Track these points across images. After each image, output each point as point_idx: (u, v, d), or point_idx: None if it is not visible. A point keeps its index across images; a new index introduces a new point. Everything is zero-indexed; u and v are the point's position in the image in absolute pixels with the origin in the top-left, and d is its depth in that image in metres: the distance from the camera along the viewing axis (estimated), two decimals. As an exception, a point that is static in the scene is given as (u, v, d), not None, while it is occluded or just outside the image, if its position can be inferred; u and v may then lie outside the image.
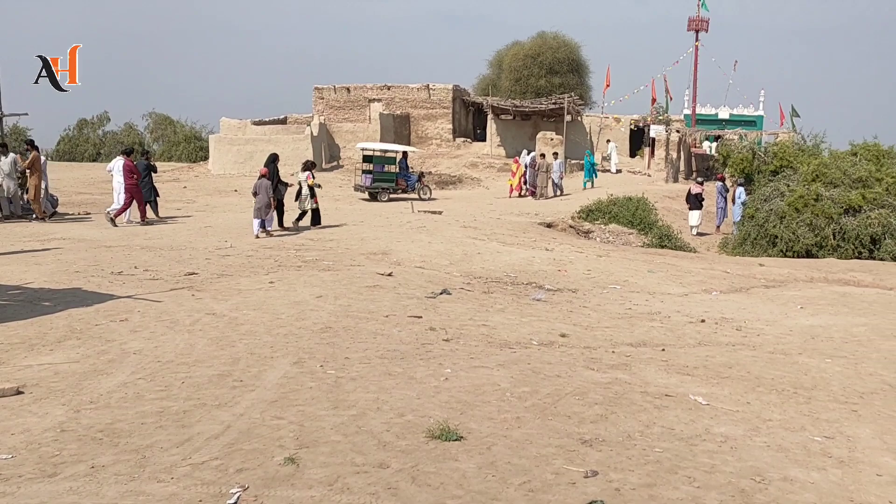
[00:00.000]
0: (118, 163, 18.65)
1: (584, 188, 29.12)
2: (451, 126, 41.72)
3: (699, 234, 23.74)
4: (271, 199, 16.51)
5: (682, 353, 7.62)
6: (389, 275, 11.07)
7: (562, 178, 29.99)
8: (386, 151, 29.17)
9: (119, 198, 18.48)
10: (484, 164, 37.79)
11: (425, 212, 22.40)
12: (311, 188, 17.75)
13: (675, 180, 33.76)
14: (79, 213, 20.81)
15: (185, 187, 30.97)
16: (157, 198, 20.07)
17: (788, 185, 21.17)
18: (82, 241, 14.95)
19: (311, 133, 36.41)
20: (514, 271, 13.65)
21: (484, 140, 41.64)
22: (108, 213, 18.15)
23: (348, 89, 42.86)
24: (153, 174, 19.95)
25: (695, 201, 23.38)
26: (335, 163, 38.33)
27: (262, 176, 17.03)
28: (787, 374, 6.92)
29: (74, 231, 16.65)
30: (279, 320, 7.75)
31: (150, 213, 19.51)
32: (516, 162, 29.95)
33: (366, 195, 28.14)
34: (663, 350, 7.76)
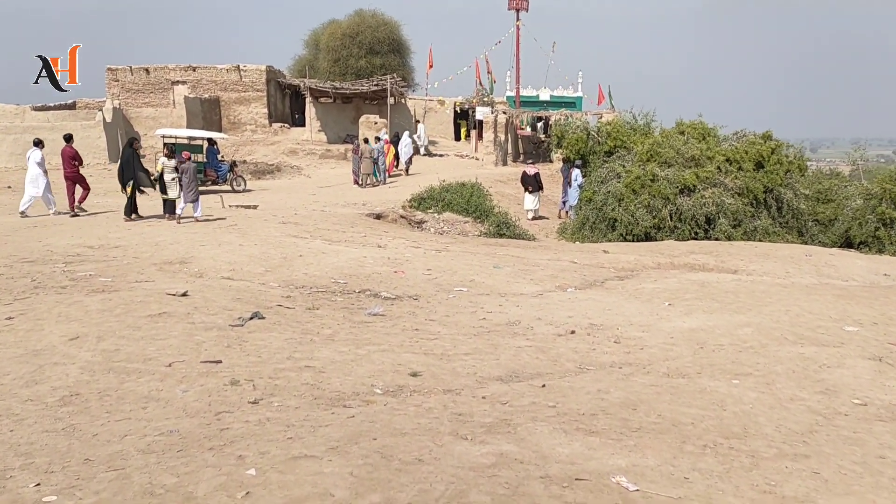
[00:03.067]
0: (33, 153, 18.14)
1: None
2: (266, 110, 38.58)
3: (537, 217, 22.73)
4: (197, 184, 16.40)
5: (569, 390, 5.89)
6: (184, 294, 8.60)
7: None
8: (191, 139, 25.86)
9: (30, 189, 17.85)
10: (304, 150, 35.13)
11: (237, 206, 19.66)
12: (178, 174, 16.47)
13: (505, 163, 32.88)
14: None
15: (-57, 185, 25.98)
16: None
17: (624, 166, 20.50)
18: None
19: (104, 119, 32.08)
20: (343, 276, 11.54)
21: (303, 125, 38.86)
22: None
23: (147, 70, 38.47)
24: None
25: (534, 183, 22.29)
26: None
27: (188, 159, 16.85)
28: (706, 414, 5.35)
29: None
30: (-2, 388, 5.18)
31: None
32: (387, 143, 29.41)
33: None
34: (544, 386, 5.99)
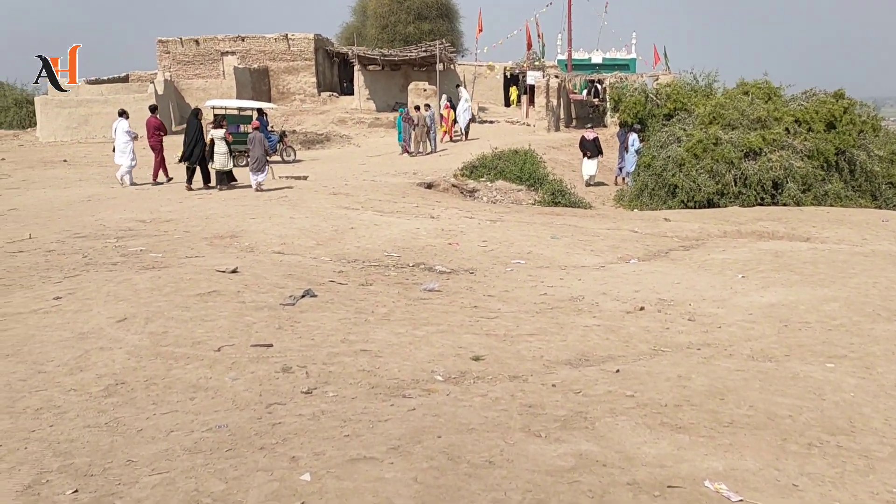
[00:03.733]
0: (119, 124, 18.23)
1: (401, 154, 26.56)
2: (314, 79, 38.23)
3: (596, 183, 22.02)
4: (266, 152, 16.37)
5: (646, 376, 5.40)
6: (234, 271, 8.31)
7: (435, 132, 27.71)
8: (241, 109, 25.65)
9: (119, 159, 18.20)
10: (353, 119, 34.75)
11: (287, 177, 19.41)
12: (228, 145, 16.67)
13: (557, 129, 32.03)
14: None
15: (2, 159, 26.33)
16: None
17: (685, 130, 19.58)
18: None
19: (156, 91, 32.12)
20: (396, 249, 11.16)
21: (352, 94, 38.45)
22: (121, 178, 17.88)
23: (197, 42, 38.41)
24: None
25: (593, 147, 21.54)
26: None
27: (255, 129, 16.73)
28: (804, 405, 4.81)
29: None
30: (39, 377, 4.91)
31: None
32: (447, 107, 29.47)
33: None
34: (618, 372, 5.51)
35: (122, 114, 19.08)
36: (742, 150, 18.12)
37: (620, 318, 7.34)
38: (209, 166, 17.15)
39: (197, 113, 17.79)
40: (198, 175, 17.31)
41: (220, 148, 16.58)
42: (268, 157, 16.80)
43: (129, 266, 8.81)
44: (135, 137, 18.39)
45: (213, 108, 25.58)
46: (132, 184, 18.10)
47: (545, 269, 10.47)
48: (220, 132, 16.70)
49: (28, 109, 53.17)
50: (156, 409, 4.42)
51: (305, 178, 19.37)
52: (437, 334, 6.41)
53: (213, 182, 17.29)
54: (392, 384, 5.08)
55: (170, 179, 18.60)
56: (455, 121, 30.04)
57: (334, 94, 38.83)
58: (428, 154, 26.19)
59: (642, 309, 7.76)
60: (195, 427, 4.17)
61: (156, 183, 18.23)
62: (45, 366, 5.07)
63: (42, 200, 15.73)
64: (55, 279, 8.03)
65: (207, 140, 16.88)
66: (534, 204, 19.25)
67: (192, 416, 4.33)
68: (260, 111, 26.22)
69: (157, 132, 18.48)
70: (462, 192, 20.44)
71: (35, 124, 34.21)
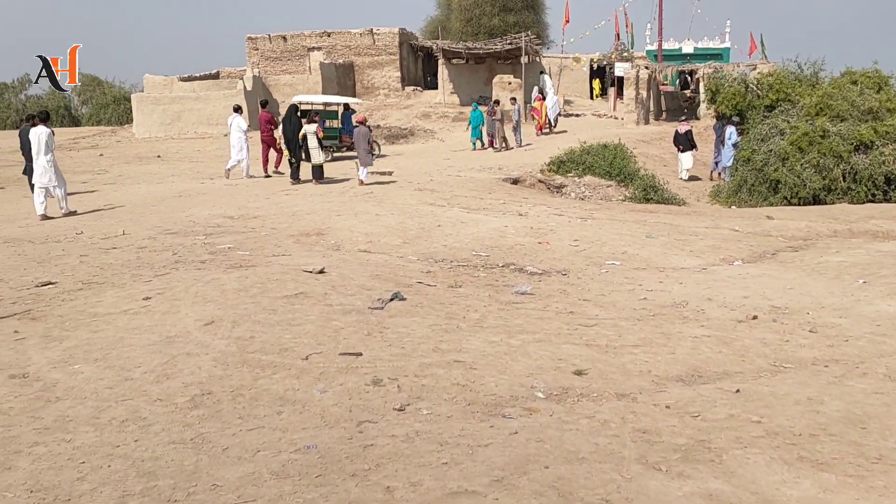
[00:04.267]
0: (234, 120, 18.75)
1: (474, 148, 25.96)
2: (399, 74, 38.24)
3: (690, 178, 21.13)
4: (371, 147, 16.61)
5: (770, 397, 4.86)
6: (321, 272, 8.10)
7: (519, 127, 27.15)
8: (327, 104, 25.77)
9: (234, 153, 18.80)
10: (437, 113, 34.55)
11: (373, 173, 19.29)
12: (319, 140, 16.93)
13: (647, 122, 31.01)
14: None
15: (101, 155, 27.28)
16: (50, 172, 16.61)
17: (789, 122, 18.47)
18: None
19: (245, 87, 32.75)
20: (484, 248, 10.79)
21: (435, 88, 38.26)
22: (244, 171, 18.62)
23: (284, 38, 38.96)
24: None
25: (685, 141, 20.67)
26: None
27: (360, 123, 16.94)
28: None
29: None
30: (126, 384, 4.75)
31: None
32: (539, 99, 29.33)
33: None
34: (738, 392, 4.98)
35: (237, 109, 19.71)
36: (852, 144, 16.96)
37: (732, 328, 6.76)
38: (308, 162, 17.39)
39: (295, 108, 18.09)
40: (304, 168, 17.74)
41: (312, 142, 16.74)
42: (373, 152, 17.06)
43: (216, 264, 8.73)
44: (248, 131, 19.02)
45: (300, 103, 25.82)
46: (249, 176, 18.75)
47: (642, 270, 9.91)
48: (313, 127, 16.88)
49: (125, 106, 55.29)
50: (242, 425, 4.18)
51: (390, 173, 19.21)
52: (534, 344, 6.00)
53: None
54: (489, 401, 4.70)
55: (267, 176, 19.14)
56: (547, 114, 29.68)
57: (418, 88, 38.74)
58: (509, 149, 25.68)
59: (755, 318, 7.15)
60: (283, 447, 3.90)
61: (268, 175, 19.14)
62: (132, 372, 4.91)
63: (136, 196, 16.05)
64: (145, 277, 7.99)
65: (300, 135, 17.04)
66: (624, 200, 18.56)
67: (280, 434, 4.06)
68: (346, 106, 26.32)
69: (268, 125, 19.11)
70: (549, 188, 19.91)
71: (132, 121, 35.34)
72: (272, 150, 19.33)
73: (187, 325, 6.01)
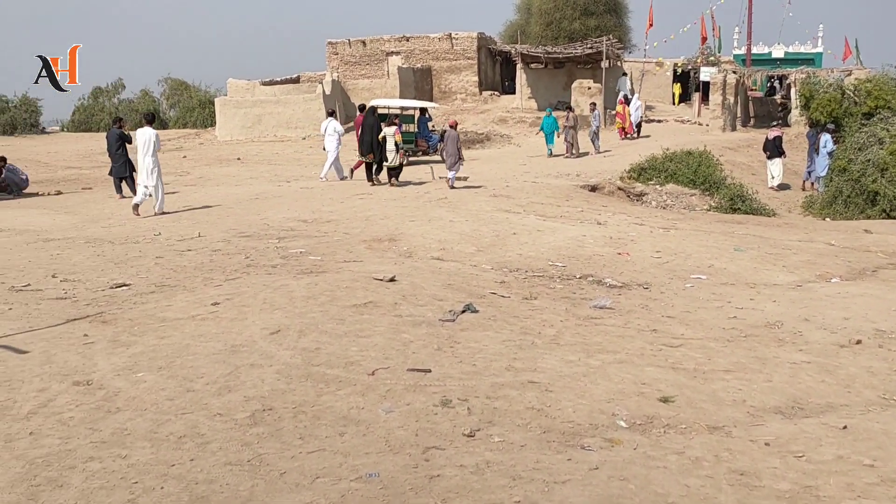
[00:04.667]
0: (329, 124, 19.31)
1: (550, 155, 25.26)
2: (476, 78, 37.98)
3: (780, 186, 20.15)
4: (460, 150, 16.58)
5: (883, 436, 4.35)
6: (391, 280, 7.86)
7: (598, 132, 26.48)
8: (403, 109, 25.68)
9: (330, 157, 19.37)
10: (514, 118, 34.12)
11: (393, 184, 19.04)
12: (396, 144, 17.11)
13: (734, 129, 29.84)
14: (49, 193, 17.88)
15: (184, 157, 27.93)
16: (134, 173, 16.97)
17: (888, 130, 17.38)
18: (22, 233, 11.98)
19: (323, 91, 33.06)
20: (561, 258, 10.39)
21: (513, 92, 37.85)
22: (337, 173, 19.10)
23: (364, 42, 39.24)
24: (127, 145, 16.80)
25: (773, 148, 19.73)
26: (351, 123, 34.99)
27: (452, 126, 17.24)
28: None
29: (24, 218, 13.68)
30: (187, 396, 4.58)
31: (126, 191, 16.55)
32: (622, 103, 28.80)
33: (381, 160, 24.80)
34: (845, 428, 4.47)
35: (332, 114, 20.28)
36: (959, 154, 15.83)
37: (834, 354, 6.19)
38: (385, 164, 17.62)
39: (373, 110, 18.40)
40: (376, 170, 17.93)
41: (390, 145, 16.96)
42: (461, 157, 17.07)
43: (287, 269, 8.60)
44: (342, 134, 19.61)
45: (377, 107, 25.86)
46: (343, 178, 19.29)
47: (730, 286, 9.33)
48: (392, 129, 17.11)
49: (210, 110, 56.82)
50: (302, 446, 3.93)
51: (465, 178, 18.93)
52: (615, 365, 5.60)
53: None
54: (567, 428, 4.34)
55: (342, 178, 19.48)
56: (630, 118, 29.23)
57: (495, 92, 38.42)
58: (581, 156, 25.03)
59: (859, 342, 6.56)
60: (343, 473, 3.63)
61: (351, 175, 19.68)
62: (194, 383, 4.75)
63: (214, 198, 16.23)
64: (216, 281, 7.91)
65: (379, 137, 17.25)
66: (709, 210, 17.79)
67: (341, 459, 3.80)
68: (423, 110, 26.22)
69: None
70: (629, 196, 19.29)
71: (215, 124, 36.14)
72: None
73: (253, 333, 5.84)
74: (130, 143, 16.85)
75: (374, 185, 17.20)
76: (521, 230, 11.99)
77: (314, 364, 5.16)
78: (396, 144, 17.14)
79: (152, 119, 14.63)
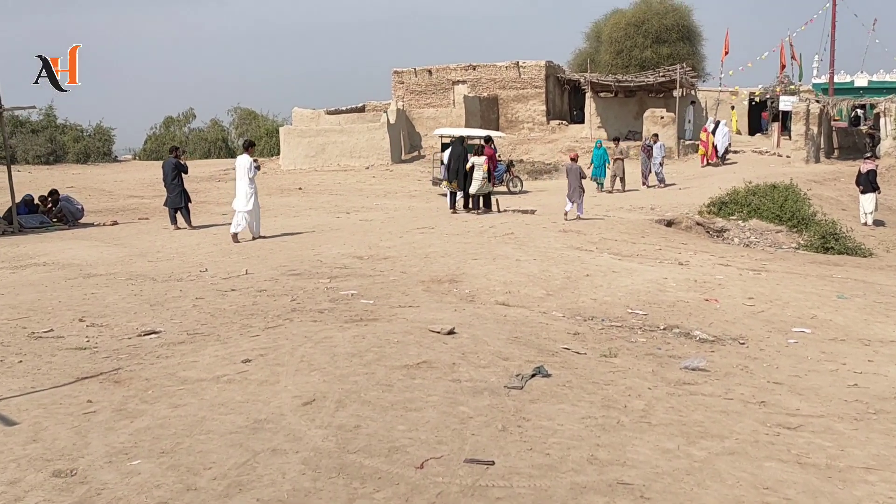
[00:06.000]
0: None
1: (600, 191, 23.79)
2: (544, 107, 37.05)
3: (875, 223, 18.55)
4: (582, 183, 16.73)
5: None
6: (450, 333, 6.88)
7: (662, 165, 25.30)
8: (468, 138, 24.85)
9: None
10: (583, 148, 32.93)
11: (514, 210, 18.08)
12: (487, 172, 17.44)
13: (817, 160, 28.10)
14: (104, 223, 17.59)
15: (246, 187, 27.62)
16: (190, 203, 16.52)
17: None
18: (65, 267, 11.49)
19: (388, 120, 32.59)
20: (641, 304, 9.26)
21: (582, 122, 36.80)
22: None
23: (430, 71, 38.78)
24: (183, 175, 16.38)
25: (866, 182, 18.19)
26: (415, 152, 34.42)
27: (573, 160, 17.50)
28: None
29: (71, 251, 13.24)
30: (186, 497, 3.65)
31: (180, 222, 16.10)
32: (705, 131, 29.18)
33: (445, 191, 23.98)
34: None
35: (486, 140, 20.30)
36: None
37: None
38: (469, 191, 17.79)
39: (462, 140, 18.72)
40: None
41: (478, 174, 17.19)
42: (582, 188, 17.02)
43: (335, 316, 7.72)
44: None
45: (441, 136, 25.10)
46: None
47: (840, 342, 8.05)
48: (482, 159, 17.29)
49: (276, 139, 57.41)
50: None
51: (533, 211, 17.94)
52: (725, 458, 4.47)
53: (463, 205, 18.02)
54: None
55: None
56: (714, 146, 28.65)
57: (563, 122, 37.40)
58: (625, 192, 23.68)
59: None
60: None
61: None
62: (199, 477, 3.82)
63: (270, 230, 15.60)
64: (254, 330, 7.07)
65: (468, 167, 17.40)
66: (798, 249, 16.35)
67: None
68: (488, 139, 25.38)
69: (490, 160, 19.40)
70: (708, 232, 17.97)
71: (280, 153, 36.02)
72: None
73: (283, 402, 4.92)
74: (187, 172, 16.44)
75: (455, 212, 17.48)
76: (594, 271, 10.90)
77: (350, 450, 4.20)
78: (486, 173, 17.39)
79: (250, 145, 14.94)
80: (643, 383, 6.05)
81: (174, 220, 16.10)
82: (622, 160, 24.10)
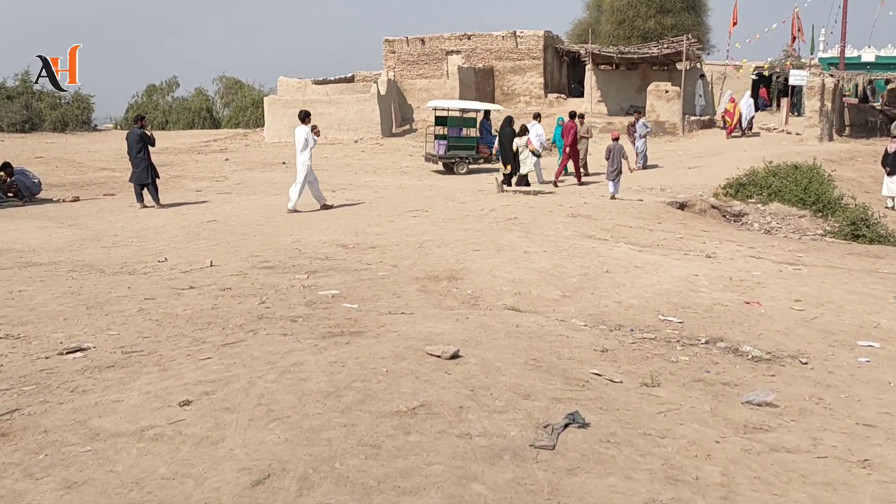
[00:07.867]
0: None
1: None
2: (542, 80, 35.39)
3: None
4: (621, 164, 16.43)
5: None
6: (453, 357, 5.43)
7: (646, 144, 22.80)
8: (464, 111, 23.27)
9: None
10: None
11: (515, 191, 16.60)
12: (532, 152, 16.92)
13: (831, 138, 26.66)
14: (64, 199, 15.96)
15: (226, 160, 25.99)
16: (158, 179, 14.92)
17: None
18: (1, 253, 9.94)
19: (378, 92, 30.87)
20: (673, 308, 7.86)
21: (581, 95, 35.18)
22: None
23: (422, 40, 37.02)
24: (150, 147, 14.75)
25: (893, 163, 16.83)
26: (407, 126, 32.75)
27: (615, 139, 17.01)
28: None
29: (16, 232, 11.70)
30: None
31: (147, 200, 14.54)
32: (732, 101, 28.25)
33: (439, 166, 22.45)
34: None
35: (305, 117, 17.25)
36: None
37: None
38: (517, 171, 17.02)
39: (510, 120, 17.82)
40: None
41: (524, 154, 16.67)
42: (620, 168, 16.52)
43: (310, 328, 6.26)
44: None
45: (435, 108, 23.51)
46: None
47: (918, 361, 6.67)
48: (523, 140, 16.69)
49: (262, 110, 55.41)
50: None
51: (536, 193, 16.45)
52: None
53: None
54: None
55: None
56: (740, 116, 27.87)
57: (562, 95, 35.80)
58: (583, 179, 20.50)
59: None
60: None
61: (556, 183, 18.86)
62: None
63: (246, 211, 14.07)
64: (206, 350, 5.60)
65: (514, 148, 16.74)
66: (824, 235, 14.97)
67: None
68: (486, 113, 23.81)
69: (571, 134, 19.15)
70: (724, 216, 16.56)
71: (265, 124, 34.29)
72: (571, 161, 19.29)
73: (223, 482, 3.47)
74: (153, 144, 14.83)
75: (501, 192, 16.51)
76: (614, 266, 9.46)
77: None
78: (533, 153, 16.87)
79: (306, 116, 14.18)
80: (707, 432, 4.64)
81: (140, 198, 14.54)
82: (587, 139, 20.38)
